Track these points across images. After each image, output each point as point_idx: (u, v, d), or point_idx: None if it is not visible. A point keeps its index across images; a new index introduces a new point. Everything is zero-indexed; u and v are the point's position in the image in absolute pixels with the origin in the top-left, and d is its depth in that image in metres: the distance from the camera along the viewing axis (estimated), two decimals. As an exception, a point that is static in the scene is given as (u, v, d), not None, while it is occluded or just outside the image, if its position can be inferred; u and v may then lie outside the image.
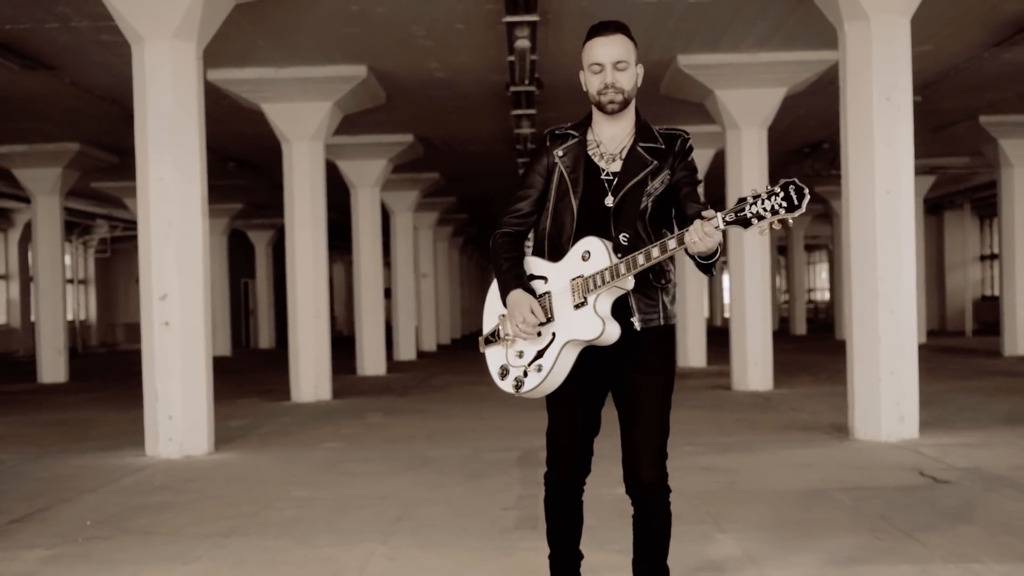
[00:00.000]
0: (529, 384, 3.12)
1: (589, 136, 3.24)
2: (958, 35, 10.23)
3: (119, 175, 17.83)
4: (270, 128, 11.72)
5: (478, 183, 20.27)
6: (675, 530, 4.72)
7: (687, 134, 3.24)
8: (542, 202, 3.25)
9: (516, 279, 3.17)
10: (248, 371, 17.65)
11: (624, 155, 3.17)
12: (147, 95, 7.60)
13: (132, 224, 24.20)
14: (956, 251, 27.20)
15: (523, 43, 9.17)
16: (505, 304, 3.17)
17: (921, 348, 19.24)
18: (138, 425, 8.06)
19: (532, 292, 3.15)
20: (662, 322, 3.16)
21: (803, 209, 2.76)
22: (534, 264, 3.22)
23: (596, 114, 3.24)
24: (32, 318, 23.90)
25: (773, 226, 2.82)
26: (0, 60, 9.99)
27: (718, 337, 16.66)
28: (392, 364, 17.33)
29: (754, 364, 11.68)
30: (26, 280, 24.65)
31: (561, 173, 3.20)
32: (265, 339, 27.82)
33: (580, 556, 3.40)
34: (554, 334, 3.10)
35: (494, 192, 20.54)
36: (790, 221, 2.79)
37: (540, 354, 3.11)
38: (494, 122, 13.81)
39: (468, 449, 7.64)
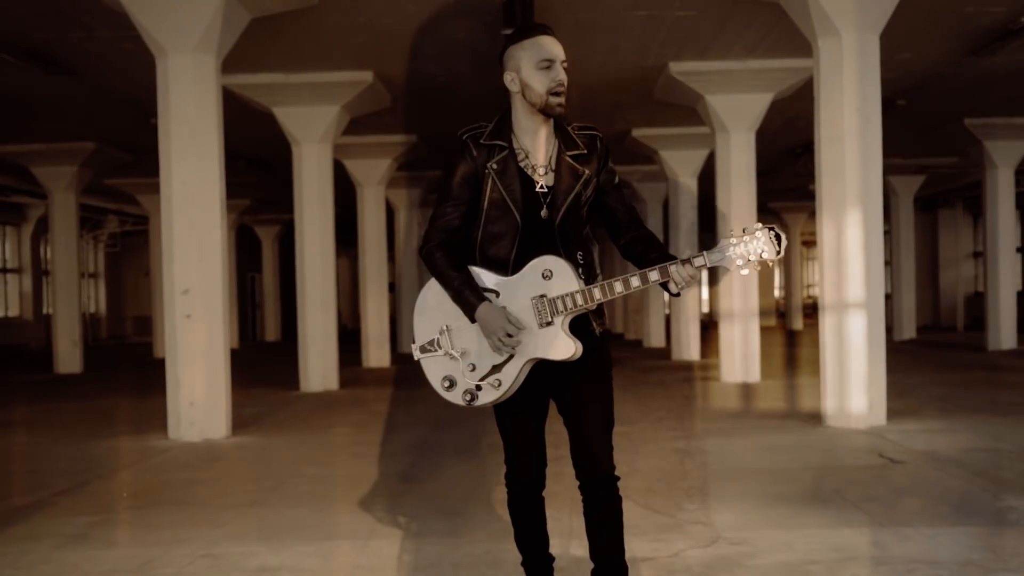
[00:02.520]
0: (484, 399, 3.05)
1: (515, 145, 3.09)
2: (934, 44, 10.77)
3: (132, 172, 18.36)
4: (278, 128, 12.27)
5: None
6: (648, 500, 5.33)
7: (600, 131, 3.18)
8: (472, 214, 3.11)
9: (476, 294, 3.03)
10: (257, 363, 18.24)
11: (553, 166, 3.09)
12: (170, 104, 8.17)
13: (142, 219, 24.72)
14: (949, 248, 27.74)
15: (521, 53, 9.68)
16: (472, 319, 3.04)
17: (909, 343, 20.00)
18: (156, 412, 8.65)
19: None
20: (607, 326, 3.19)
21: (782, 253, 2.89)
22: (484, 277, 3.08)
23: (520, 120, 3.10)
24: (45, 310, 24.51)
25: (755, 268, 2.92)
26: (26, 66, 10.57)
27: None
28: (396, 356, 17.84)
29: (742, 357, 12.25)
30: (38, 274, 25.16)
31: (495, 184, 3.05)
32: (271, 332, 28.25)
33: (552, 559, 3.35)
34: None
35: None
36: (770, 262, 2.91)
37: (497, 368, 3.04)
38: (495, 124, 14.29)
39: (468, 434, 8.19)
